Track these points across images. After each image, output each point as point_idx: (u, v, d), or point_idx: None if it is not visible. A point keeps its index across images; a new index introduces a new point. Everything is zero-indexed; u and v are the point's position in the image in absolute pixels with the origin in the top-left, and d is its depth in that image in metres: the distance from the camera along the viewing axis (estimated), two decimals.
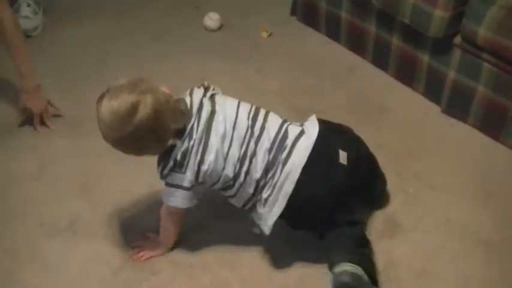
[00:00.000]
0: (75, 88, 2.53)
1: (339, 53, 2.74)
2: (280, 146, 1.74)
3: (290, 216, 1.76)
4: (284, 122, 1.81)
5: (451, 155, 2.24)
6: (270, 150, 1.73)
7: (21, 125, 2.32)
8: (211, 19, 2.87)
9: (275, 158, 1.73)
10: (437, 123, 2.38)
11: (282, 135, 1.75)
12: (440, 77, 2.36)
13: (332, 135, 1.81)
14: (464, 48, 2.24)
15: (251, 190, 1.77)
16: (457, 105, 2.35)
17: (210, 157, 1.69)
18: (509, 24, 2.06)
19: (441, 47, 2.32)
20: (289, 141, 1.74)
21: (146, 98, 1.60)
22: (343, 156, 1.76)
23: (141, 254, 1.86)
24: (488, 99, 2.23)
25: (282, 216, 1.75)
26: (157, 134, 1.64)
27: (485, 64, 2.19)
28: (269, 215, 1.76)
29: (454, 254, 1.87)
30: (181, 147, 1.68)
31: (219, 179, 1.75)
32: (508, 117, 2.19)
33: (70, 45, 2.79)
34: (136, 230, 1.94)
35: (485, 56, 2.17)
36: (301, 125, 1.82)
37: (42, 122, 2.30)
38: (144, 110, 1.58)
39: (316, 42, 2.81)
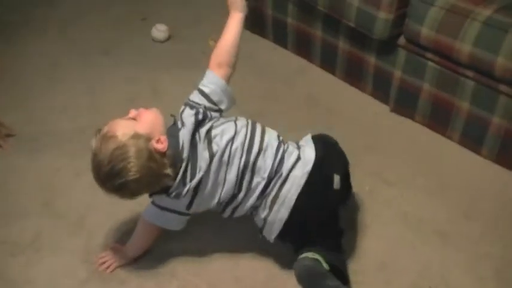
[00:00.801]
0: (25, 104, 2.51)
1: (287, 58, 2.80)
2: (276, 173, 1.74)
3: (282, 237, 1.80)
4: (279, 146, 1.78)
5: (402, 151, 2.32)
6: (266, 180, 1.74)
7: None
8: (159, 30, 2.89)
9: (270, 182, 1.74)
10: (386, 122, 2.47)
11: (278, 163, 1.75)
12: (387, 77, 2.45)
13: (327, 158, 1.80)
14: (408, 48, 2.33)
15: (243, 212, 1.82)
16: (404, 104, 2.44)
17: (201, 197, 1.75)
18: (449, 23, 2.15)
19: (386, 48, 2.40)
20: (284, 169, 1.74)
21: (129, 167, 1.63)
22: (336, 181, 1.77)
23: (106, 264, 1.86)
24: (434, 96, 2.33)
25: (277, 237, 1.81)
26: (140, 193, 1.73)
27: (429, 62, 2.28)
28: (270, 232, 1.79)
29: (412, 245, 1.95)
30: (175, 188, 1.70)
31: (214, 203, 1.79)
32: (454, 112, 2.29)
33: (17, 60, 2.76)
34: (101, 241, 1.94)
35: (428, 54, 2.27)
36: (298, 147, 1.82)
37: None
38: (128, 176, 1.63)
39: (264, 48, 2.87)
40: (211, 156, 1.71)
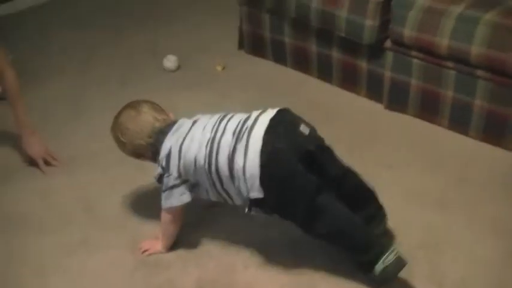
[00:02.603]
0: (55, 134, 2.76)
1: (287, 74, 3.11)
2: (245, 121, 1.98)
3: (264, 181, 1.90)
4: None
5: (398, 141, 2.61)
6: (235, 130, 1.97)
7: (29, 165, 2.58)
8: (170, 61, 3.20)
9: (242, 128, 1.96)
10: (382, 118, 2.76)
11: (247, 117, 2.01)
12: (379, 78, 2.76)
13: (294, 117, 2.03)
14: (395, 50, 2.64)
15: (224, 168, 1.96)
16: (396, 100, 2.74)
17: (184, 145, 2.01)
18: (427, 22, 2.47)
19: (375, 52, 2.72)
20: (252, 117, 1.99)
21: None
22: (304, 128, 1.97)
23: (143, 250, 2.14)
24: (422, 89, 2.63)
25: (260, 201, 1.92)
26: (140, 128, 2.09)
27: (414, 60, 2.60)
28: (253, 181, 1.90)
29: (416, 213, 2.23)
30: (165, 147, 2.02)
31: (195, 166, 1.99)
32: (440, 101, 2.59)
33: (41, 100, 3.02)
34: (142, 237, 2.20)
35: (413, 53, 2.58)
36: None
37: (47, 163, 2.56)
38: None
39: (266, 68, 3.18)
40: (193, 123, 2.07)
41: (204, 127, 2.04)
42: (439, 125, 2.64)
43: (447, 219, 2.19)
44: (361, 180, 2.12)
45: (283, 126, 1.96)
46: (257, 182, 1.91)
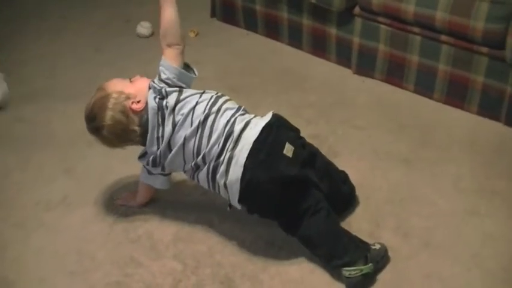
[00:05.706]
0: (33, 98, 2.83)
1: (259, 41, 3.19)
2: (230, 133, 1.91)
3: (244, 200, 1.93)
4: (237, 112, 1.96)
5: (366, 103, 2.72)
6: (219, 143, 1.92)
7: None
8: (144, 27, 3.26)
9: (226, 141, 1.91)
10: (351, 82, 2.86)
11: (232, 124, 1.92)
12: (348, 44, 2.85)
13: (282, 128, 1.95)
14: (363, 16, 2.74)
15: (204, 177, 1.98)
16: (364, 65, 2.84)
17: (170, 160, 2.00)
18: None
19: (344, 18, 2.81)
20: (236, 130, 1.91)
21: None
22: (288, 149, 1.90)
23: (119, 201, 2.23)
24: (389, 54, 2.73)
25: (239, 200, 1.93)
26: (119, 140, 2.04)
27: (382, 26, 2.70)
28: (233, 197, 1.94)
29: (383, 171, 2.34)
30: (151, 149, 2.01)
31: (184, 170, 2.04)
32: (406, 66, 2.70)
33: (18, 65, 3.08)
34: (120, 192, 2.29)
35: (380, 19, 2.68)
36: (256, 116, 1.98)
37: None
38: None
39: (238, 35, 3.25)
40: (174, 125, 1.95)
41: (185, 137, 1.95)
42: (405, 89, 2.76)
43: (412, 177, 2.31)
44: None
45: (266, 150, 1.89)
46: (236, 200, 1.93)
